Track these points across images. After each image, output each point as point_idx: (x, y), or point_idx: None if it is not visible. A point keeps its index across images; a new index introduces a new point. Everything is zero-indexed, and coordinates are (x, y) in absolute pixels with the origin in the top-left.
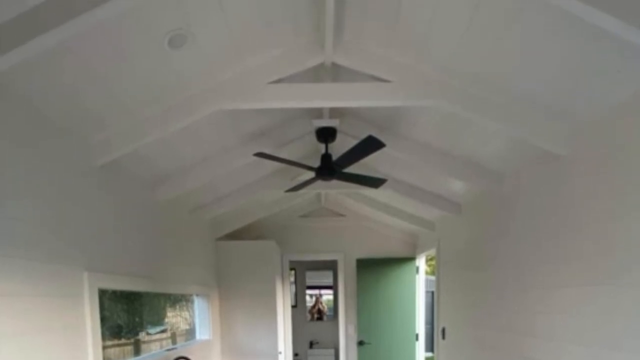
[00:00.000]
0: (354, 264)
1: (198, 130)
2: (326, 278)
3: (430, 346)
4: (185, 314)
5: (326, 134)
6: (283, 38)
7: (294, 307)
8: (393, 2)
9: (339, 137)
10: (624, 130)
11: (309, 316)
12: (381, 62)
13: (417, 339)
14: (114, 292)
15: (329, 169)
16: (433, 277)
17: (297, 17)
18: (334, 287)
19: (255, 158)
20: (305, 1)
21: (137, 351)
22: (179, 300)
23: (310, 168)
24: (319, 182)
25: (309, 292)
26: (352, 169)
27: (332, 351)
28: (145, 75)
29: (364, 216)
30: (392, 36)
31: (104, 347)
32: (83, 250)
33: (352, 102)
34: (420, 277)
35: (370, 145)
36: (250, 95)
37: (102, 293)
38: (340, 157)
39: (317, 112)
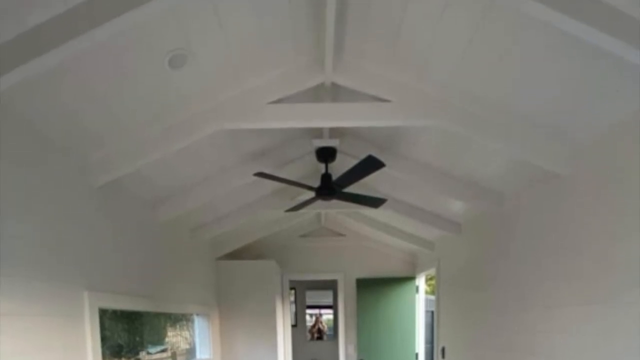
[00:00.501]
0: (353, 284)
1: (198, 150)
2: (326, 297)
3: None
4: (186, 333)
5: (326, 154)
6: (283, 58)
7: (294, 326)
8: (393, 22)
9: (338, 156)
10: (624, 149)
11: (309, 335)
12: (381, 82)
13: (416, 358)
14: (115, 312)
15: (329, 188)
16: (433, 297)
17: (297, 37)
18: (334, 306)
19: (256, 178)
20: (305, 21)
21: None
22: (179, 319)
23: (310, 188)
24: (319, 202)
25: (309, 311)
26: (352, 188)
27: None
28: (146, 95)
29: (363, 236)
30: (392, 56)
31: None
32: (83, 269)
33: (352, 122)
34: (420, 297)
35: (370, 165)
36: (250, 115)
37: (103, 312)
38: (340, 177)
39: (317, 132)
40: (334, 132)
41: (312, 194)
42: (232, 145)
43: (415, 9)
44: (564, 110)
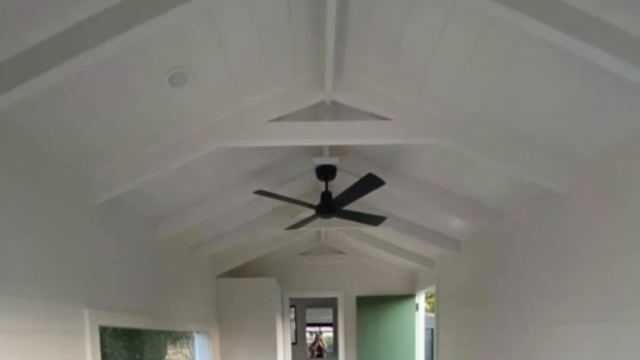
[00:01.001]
0: (353, 301)
1: (199, 168)
2: (326, 315)
3: None
4: (186, 351)
5: (326, 172)
6: (283, 76)
7: (294, 344)
8: (393, 40)
9: (339, 174)
10: (623, 167)
11: (309, 353)
12: (381, 100)
13: None
14: (115, 329)
15: (329, 206)
16: (433, 315)
17: (296, 55)
18: (334, 324)
19: (256, 196)
20: (305, 39)
21: None
22: (179, 337)
23: (310, 206)
24: (319, 220)
25: (309, 329)
26: (352, 206)
27: None
28: (146, 113)
29: (363, 254)
30: (392, 74)
31: None
32: (84, 287)
33: (351, 140)
34: (419, 315)
35: (370, 183)
36: (250, 133)
37: (103, 330)
38: (340, 195)
39: (317, 150)
40: (334, 150)
41: (312, 212)
42: (232, 163)
43: (415, 27)
44: (564, 127)
